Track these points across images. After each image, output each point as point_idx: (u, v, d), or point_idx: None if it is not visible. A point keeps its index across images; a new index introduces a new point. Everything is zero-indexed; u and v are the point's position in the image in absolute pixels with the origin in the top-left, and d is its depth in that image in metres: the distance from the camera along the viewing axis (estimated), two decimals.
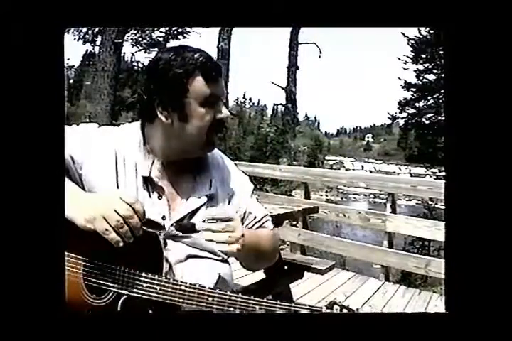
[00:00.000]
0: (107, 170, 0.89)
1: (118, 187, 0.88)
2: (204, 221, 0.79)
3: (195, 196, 0.91)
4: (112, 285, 0.79)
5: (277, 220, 1.89)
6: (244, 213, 0.98)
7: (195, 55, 0.85)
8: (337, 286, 3.13)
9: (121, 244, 0.74)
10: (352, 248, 3.55)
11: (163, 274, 0.79)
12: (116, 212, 0.74)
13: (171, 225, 0.86)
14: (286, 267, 1.93)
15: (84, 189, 0.88)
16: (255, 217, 0.99)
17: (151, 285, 0.78)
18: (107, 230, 0.73)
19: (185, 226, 0.85)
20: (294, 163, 11.88)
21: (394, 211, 3.46)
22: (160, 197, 0.89)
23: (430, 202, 6.96)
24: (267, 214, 1.03)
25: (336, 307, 0.75)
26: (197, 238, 0.90)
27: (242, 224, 0.95)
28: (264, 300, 0.76)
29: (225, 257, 0.96)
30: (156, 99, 0.86)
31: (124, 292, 0.78)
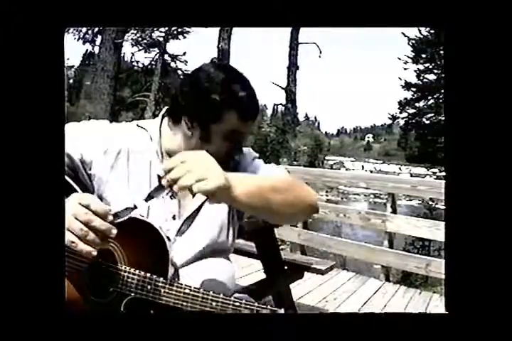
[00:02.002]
0: (118, 168, 0.87)
1: (129, 185, 0.87)
2: (166, 175, 0.70)
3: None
4: (115, 285, 0.79)
5: None
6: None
7: (241, 93, 0.85)
8: (337, 286, 3.13)
9: (94, 253, 0.68)
10: (352, 248, 3.54)
11: (169, 277, 0.78)
12: (77, 218, 0.67)
13: (144, 199, 0.76)
14: (286, 267, 1.93)
15: (93, 189, 0.87)
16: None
17: (156, 288, 0.77)
18: (73, 242, 0.67)
19: (154, 191, 0.74)
20: (294, 163, 11.89)
21: (394, 211, 3.46)
22: (172, 197, 0.89)
23: (430, 202, 6.95)
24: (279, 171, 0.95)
25: None
26: (201, 239, 0.90)
27: None
28: (268, 306, 0.75)
29: (230, 260, 0.96)
30: (187, 108, 0.86)
31: (127, 293, 0.78)
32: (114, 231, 0.69)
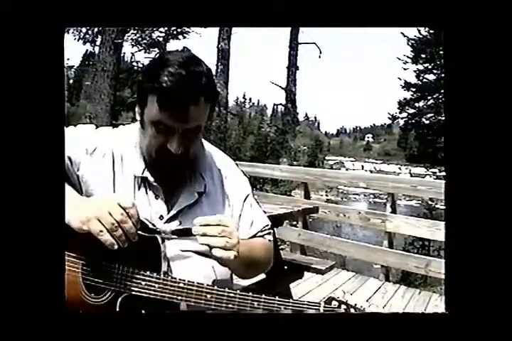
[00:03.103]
0: (104, 170, 0.89)
1: (114, 187, 0.88)
2: (200, 225, 0.78)
3: (186, 193, 0.91)
4: (110, 283, 0.79)
5: (277, 220, 1.89)
6: (240, 218, 0.96)
7: (164, 78, 0.78)
8: (337, 286, 3.13)
9: (115, 247, 0.74)
10: (352, 248, 3.55)
11: (162, 272, 0.79)
12: (111, 214, 0.74)
13: (171, 232, 0.86)
14: (286, 267, 1.93)
15: (82, 190, 0.88)
16: (253, 226, 0.97)
17: (150, 283, 0.78)
18: (101, 231, 0.74)
19: (182, 231, 0.85)
20: (294, 163, 11.88)
21: (394, 211, 3.46)
22: (157, 197, 0.90)
23: (430, 202, 6.96)
24: (267, 225, 1.00)
25: (334, 302, 0.75)
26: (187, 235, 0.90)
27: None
28: (263, 296, 0.76)
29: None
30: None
31: (122, 290, 0.79)
32: (136, 238, 0.76)
